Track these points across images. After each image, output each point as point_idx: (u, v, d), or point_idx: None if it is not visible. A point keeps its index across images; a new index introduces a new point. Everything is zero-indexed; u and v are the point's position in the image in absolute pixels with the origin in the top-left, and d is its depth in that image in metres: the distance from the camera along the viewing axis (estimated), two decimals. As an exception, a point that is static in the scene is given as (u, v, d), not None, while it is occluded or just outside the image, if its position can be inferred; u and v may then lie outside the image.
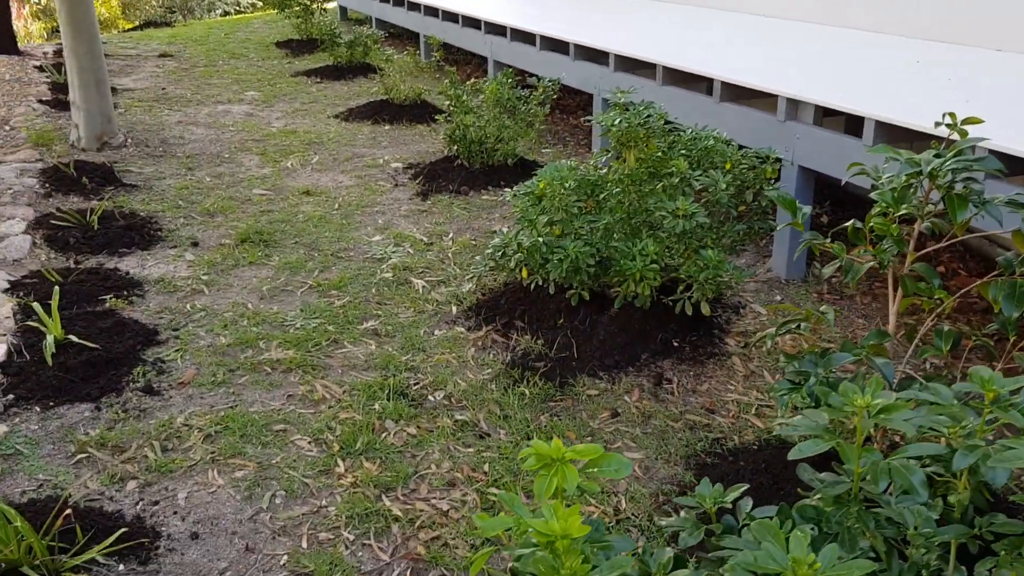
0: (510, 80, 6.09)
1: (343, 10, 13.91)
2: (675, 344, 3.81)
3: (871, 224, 2.78)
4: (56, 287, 3.89)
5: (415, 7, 10.28)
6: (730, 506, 1.63)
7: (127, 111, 7.85)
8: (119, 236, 4.84)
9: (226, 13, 24.00)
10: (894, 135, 4.04)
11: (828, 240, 2.84)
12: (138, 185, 5.84)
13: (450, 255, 4.86)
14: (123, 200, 5.53)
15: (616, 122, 3.70)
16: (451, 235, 5.15)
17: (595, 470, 1.43)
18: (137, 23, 14.74)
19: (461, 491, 2.93)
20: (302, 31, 11.62)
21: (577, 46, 6.55)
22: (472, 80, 6.59)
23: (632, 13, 8.45)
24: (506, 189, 5.75)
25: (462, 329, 4.03)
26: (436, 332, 4.01)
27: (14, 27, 10.83)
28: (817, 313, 2.63)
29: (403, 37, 12.06)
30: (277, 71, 9.98)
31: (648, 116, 3.68)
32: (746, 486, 1.64)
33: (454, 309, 4.22)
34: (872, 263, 2.68)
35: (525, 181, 5.96)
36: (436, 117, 7.55)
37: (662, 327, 3.84)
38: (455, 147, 6.12)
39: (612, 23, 7.66)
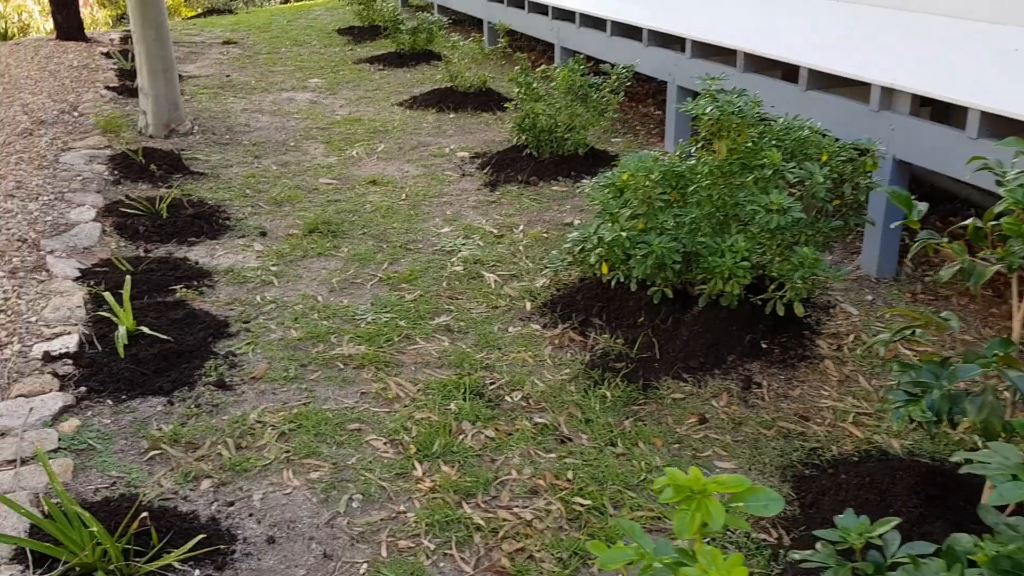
0: (581, 66, 5.91)
1: (404, -4, 13.81)
2: (763, 346, 3.62)
3: (989, 223, 2.57)
4: (127, 276, 3.83)
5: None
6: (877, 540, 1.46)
7: (193, 98, 7.84)
8: (188, 225, 4.78)
9: (285, 0, 24.13)
10: (1000, 127, 3.78)
11: (945, 239, 2.63)
12: (205, 173, 5.79)
13: (521, 248, 4.72)
14: (191, 188, 5.48)
15: (707, 110, 3.51)
16: (521, 227, 5.00)
17: (740, 504, 1.27)
18: (200, 11, 14.83)
19: (544, 499, 2.79)
20: (364, 18, 11.55)
21: (651, 32, 6.34)
22: (541, 67, 6.43)
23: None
24: (583, 180, 5.58)
25: (537, 326, 3.89)
26: (510, 329, 3.87)
27: (80, 14, 10.97)
28: (938, 319, 2.43)
29: (465, 23, 11.92)
30: (340, 58, 9.91)
31: (742, 104, 3.49)
32: (897, 520, 1.46)
33: (528, 305, 4.08)
34: (998, 266, 2.47)
35: (596, 170, 5.81)
36: (505, 105, 7.42)
37: (749, 327, 3.65)
38: (524, 136, 5.96)
39: (682, 6, 7.44)
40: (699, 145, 3.75)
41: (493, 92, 7.86)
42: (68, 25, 10.12)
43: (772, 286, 3.56)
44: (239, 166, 5.99)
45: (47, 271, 4.13)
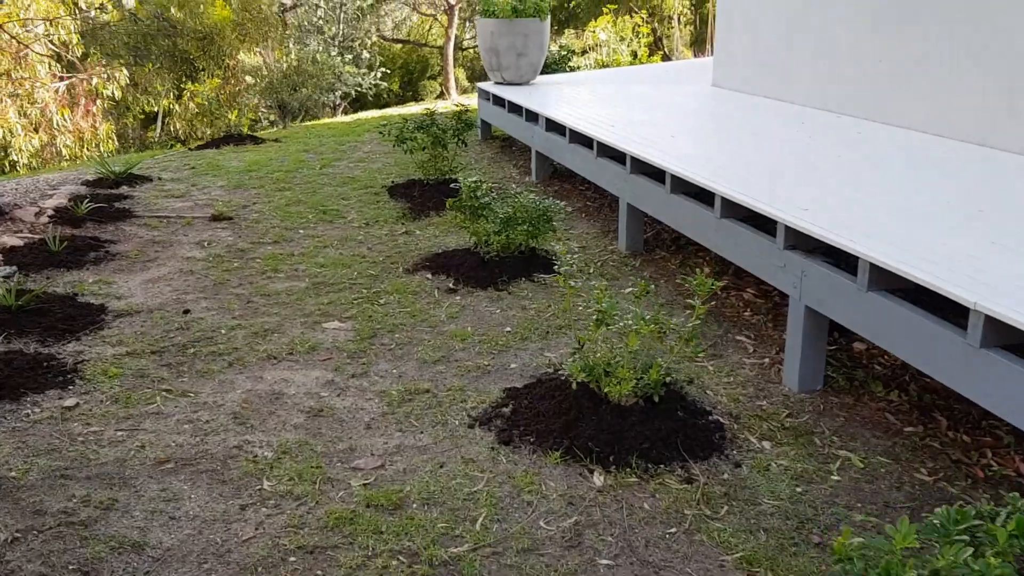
0: None
1: (485, 126, 10.10)
2: None
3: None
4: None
5: (612, 155, 6.26)
6: None
7: (86, 401, 4.03)
8: None
9: (346, 96, 20.83)
10: None
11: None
12: None
13: None
14: None
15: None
16: None
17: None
18: (221, 132, 11.30)
19: None
20: (427, 170, 7.81)
21: None
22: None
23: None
24: None
25: None
26: None
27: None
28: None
29: (576, 180, 8.08)
30: (384, 257, 6.10)
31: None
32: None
33: None
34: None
35: None
36: (714, 450, 3.44)
37: None
38: None
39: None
40: None
41: (683, 403, 3.84)
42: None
43: None
44: None
45: None
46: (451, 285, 5.58)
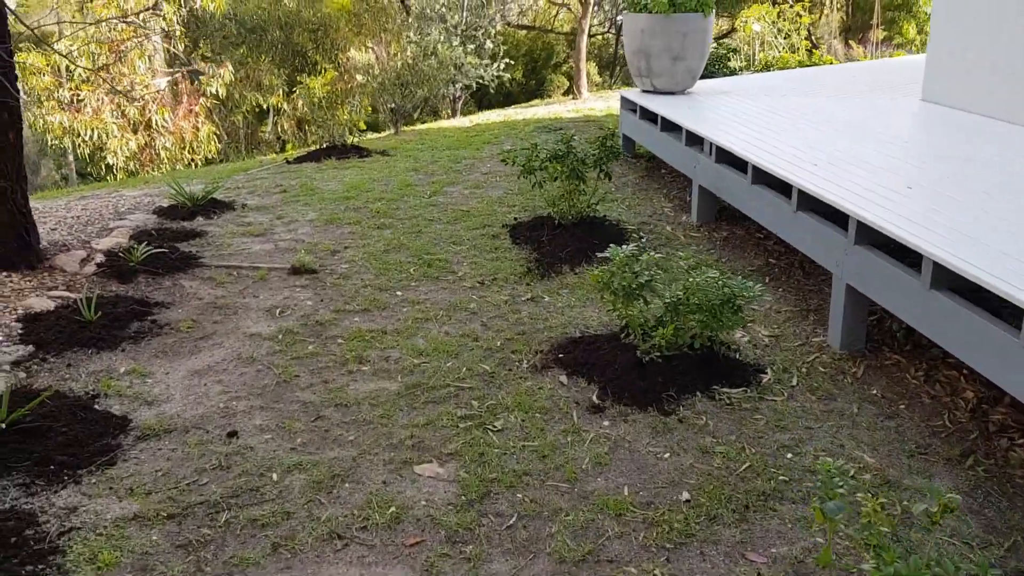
0: None
1: (628, 142, 8.42)
2: None
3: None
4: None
5: (819, 209, 4.53)
6: None
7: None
8: None
9: (467, 88, 19.43)
10: None
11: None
12: None
13: None
14: None
15: None
16: None
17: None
18: (320, 143, 9.97)
19: None
20: (560, 207, 6.21)
21: None
22: None
23: None
24: None
25: None
26: None
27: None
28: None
29: (740, 220, 6.32)
30: (503, 340, 4.56)
31: None
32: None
33: None
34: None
35: None
36: None
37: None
38: None
39: None
40: None
41: None
42: (2, 241, 5.29)
43: None
44: None
45: None
46: (595, 399, 3.99)
